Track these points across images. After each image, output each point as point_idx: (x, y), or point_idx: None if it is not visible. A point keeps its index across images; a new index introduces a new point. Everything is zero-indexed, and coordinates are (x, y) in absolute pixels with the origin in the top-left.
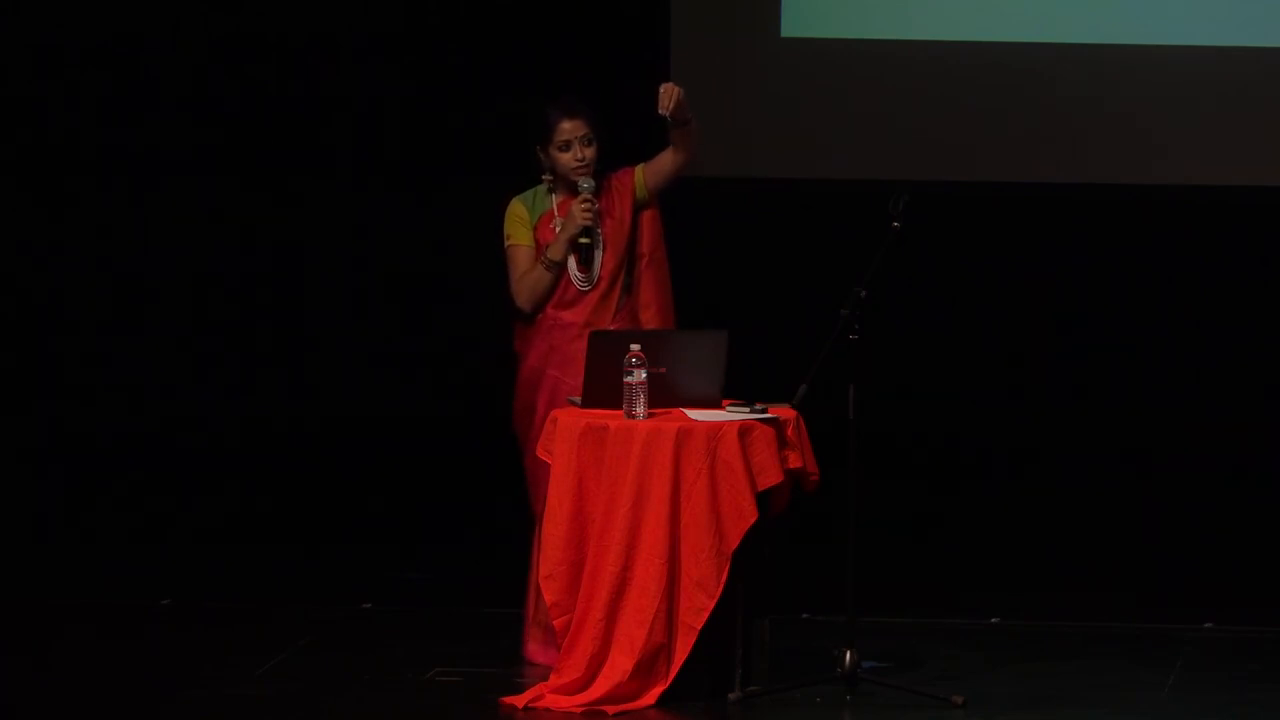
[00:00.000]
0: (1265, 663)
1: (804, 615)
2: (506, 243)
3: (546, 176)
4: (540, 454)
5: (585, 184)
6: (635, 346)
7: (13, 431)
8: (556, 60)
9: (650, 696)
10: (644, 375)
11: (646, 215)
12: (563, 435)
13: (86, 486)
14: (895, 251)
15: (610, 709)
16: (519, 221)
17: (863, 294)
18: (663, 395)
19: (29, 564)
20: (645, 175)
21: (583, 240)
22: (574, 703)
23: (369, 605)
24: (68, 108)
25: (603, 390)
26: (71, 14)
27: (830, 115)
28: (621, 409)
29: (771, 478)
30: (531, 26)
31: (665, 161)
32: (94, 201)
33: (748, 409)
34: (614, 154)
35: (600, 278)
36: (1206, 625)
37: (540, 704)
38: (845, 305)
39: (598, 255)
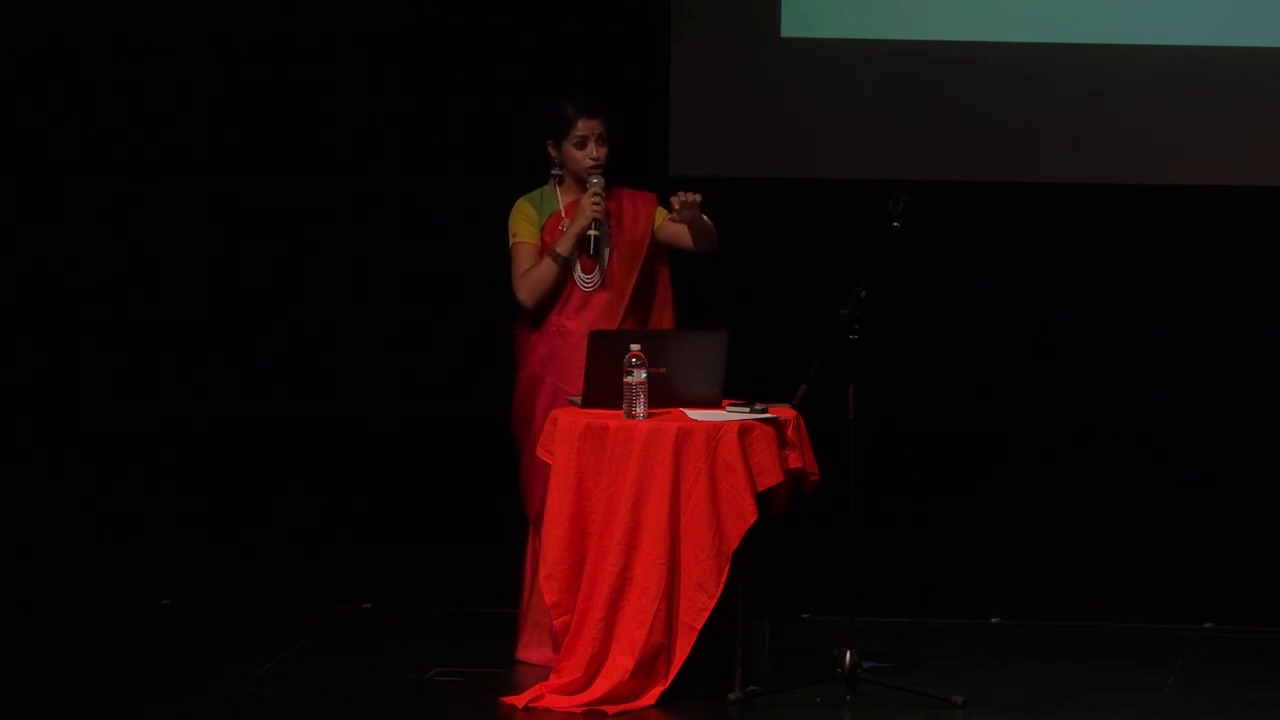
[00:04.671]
0: (1265, 663)
1: (804, 615)
2: (511, 240)
3: (555, 172)
4: (540, 454)
5: (596, 180)
6: (635, 346)
7: (12, 431)
8: (556, 59)
9: (650, 696)
10: (644, 375)
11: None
12: (563, 435)
13: (86, 486)
14: (895, 251)
15: (610, 709)
16: (525, 219)
17: (863, 294)
18: (663, 395)
19: (29, 564)
20: (661, 222)
21: (591, 232)
22: (574, 703)
23: (369, 605)
24: (68, 107)
25: (603, 390)
26: (72, 13)
27: (830, 115)
28: (621, 409)
29: (771, 478)
30: (531, 25)
31: (679, 236)
32: (94, 199)
33: (748, 409)
34: (612, 153)
35: (606, 283)
36: (1206, 625)
37: (540, 704)
38: (845, 305)
39: (606, 252)
